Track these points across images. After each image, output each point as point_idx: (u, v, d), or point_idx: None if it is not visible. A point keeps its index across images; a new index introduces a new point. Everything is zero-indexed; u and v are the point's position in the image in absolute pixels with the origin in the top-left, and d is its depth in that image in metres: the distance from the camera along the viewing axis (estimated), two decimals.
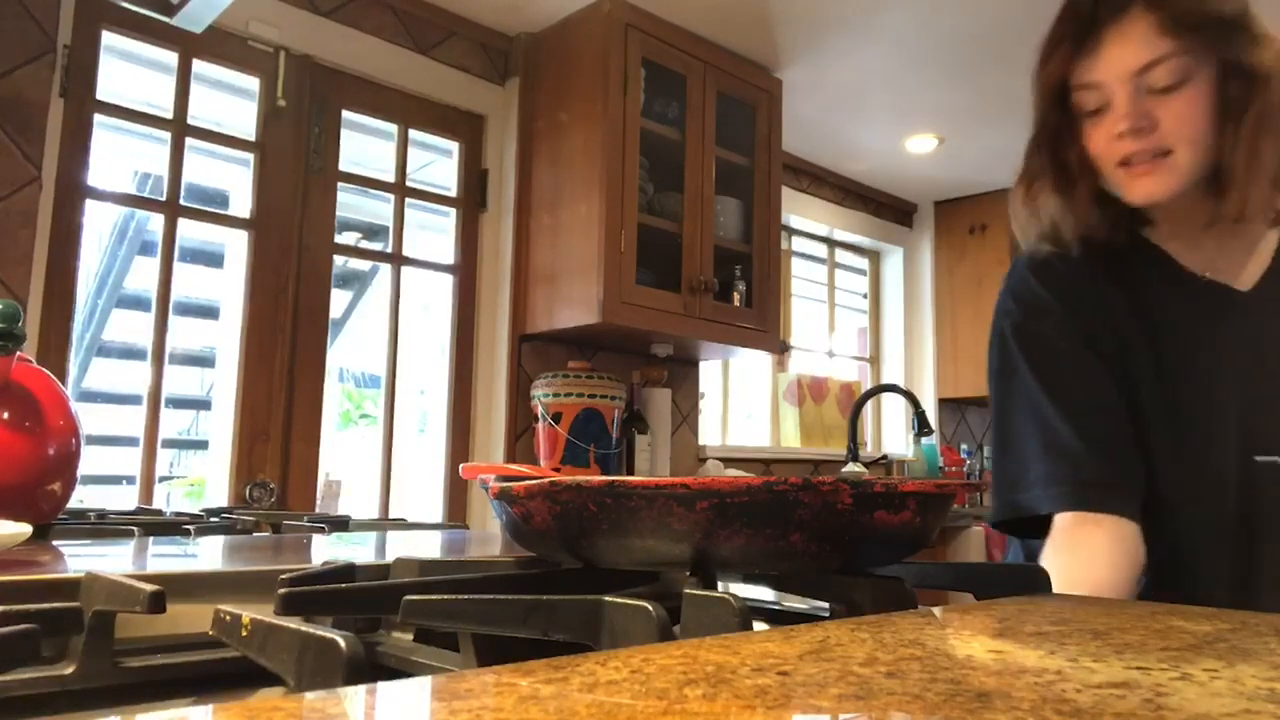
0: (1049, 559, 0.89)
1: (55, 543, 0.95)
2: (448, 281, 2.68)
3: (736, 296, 2.80)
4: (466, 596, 0.46)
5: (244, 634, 0.44)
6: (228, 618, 0.45)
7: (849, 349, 4.29)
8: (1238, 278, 0.97)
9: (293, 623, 0.42)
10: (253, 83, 2.34)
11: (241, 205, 2.35)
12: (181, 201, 2.19)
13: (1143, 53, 0.87)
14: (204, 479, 2.41)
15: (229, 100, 2.40)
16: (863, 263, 4.35)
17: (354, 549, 0.97)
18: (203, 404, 3.34)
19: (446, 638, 0.51)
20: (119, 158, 2.56)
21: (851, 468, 3.38)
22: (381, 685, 0.32)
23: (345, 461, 2.77)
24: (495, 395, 2.64)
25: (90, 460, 1.11)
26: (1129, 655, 0.39)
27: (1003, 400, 0.99)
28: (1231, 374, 0.94)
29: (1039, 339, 0.98)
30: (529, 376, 2.63)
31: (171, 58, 2.21)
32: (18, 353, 1.00)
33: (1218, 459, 0.93)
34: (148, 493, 2.09)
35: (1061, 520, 0.90)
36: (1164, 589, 0.94)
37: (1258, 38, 0.87)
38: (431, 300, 2.70)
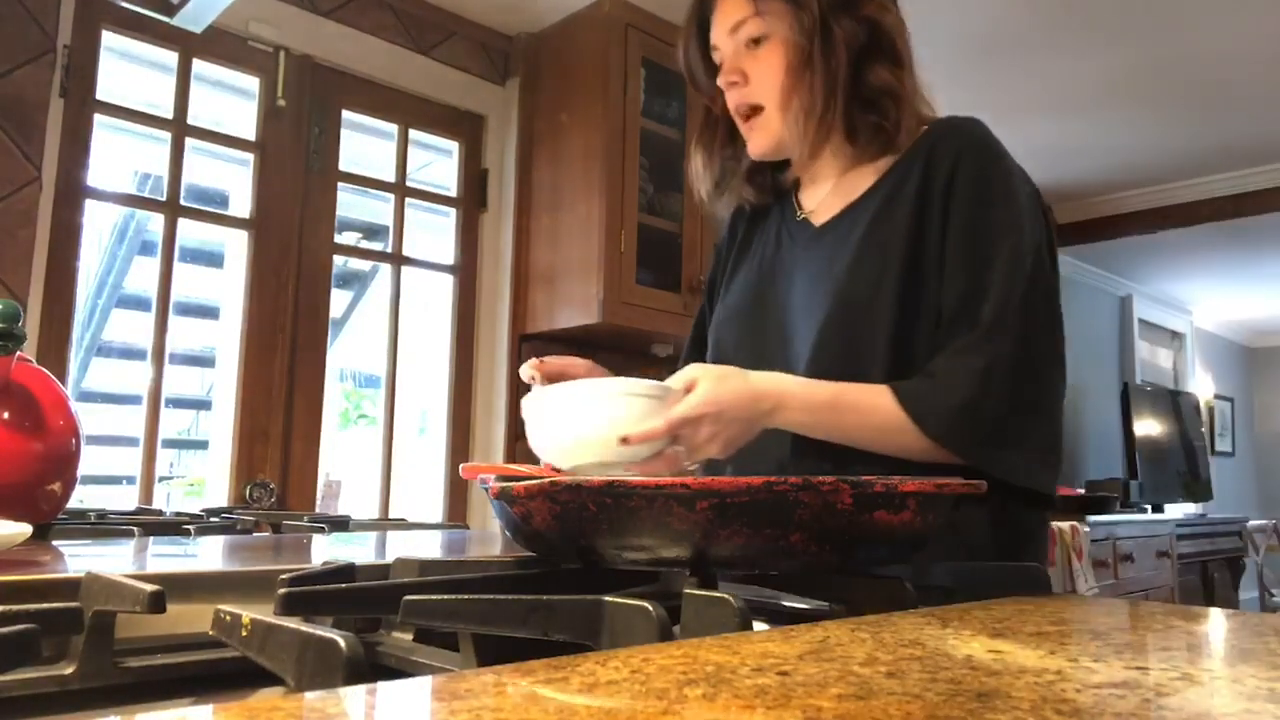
0: None
1: (55, 543, 0.95)
2: (448, 281, 2.68)
3: None
4: (466, 596, 0.46)
5: (244, 634, 0.44)
6: (228, 618, 0.45)
7: None
8: (823, 216, 1.05)
9: (293, 623, 0.42)
10: (253, 83, 2.34)
11: (241, 205, 2.34)
12: (181, 201, 2.19)
13: (733, 14, 1.02)
14: (204, 479, 2.41)
15: (229, 100, 2.39)
16: None
17: (354, 549, 0.97)
18: (203, 404, 3.34)
19: (446, 638, 0.51)
20: (119, 158, 2.56)
21: None
22: (381, 685, 0.32)
23: (345, 461, 2.77)
24: (495, 395, 2.64)
25: (90, 460, 1.11)
26: (1129, 655, 0.39)
27: None
28: (801, 300, 1.02)
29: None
30: None
31: (171, 58, 2.21)
32: (18, 353, 1.00)
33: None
34: (148, 493, 2.09)
35: None
36: None
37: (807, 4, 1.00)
38: (431, 300, 2.70)
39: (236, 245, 2.33)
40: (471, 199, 2.72)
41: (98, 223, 3.20)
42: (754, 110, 1.01)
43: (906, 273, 0.92)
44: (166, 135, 2.19)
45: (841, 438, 0.88)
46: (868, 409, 0.87)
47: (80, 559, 0.79)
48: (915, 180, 0.97)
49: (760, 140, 1.03)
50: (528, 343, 2.66)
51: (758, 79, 1.00)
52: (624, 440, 0.78)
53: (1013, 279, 0.89)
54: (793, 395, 0.87)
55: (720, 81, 1.03)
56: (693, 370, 0.85)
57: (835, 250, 0.99)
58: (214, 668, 0.52)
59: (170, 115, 2.19)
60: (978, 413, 0.85)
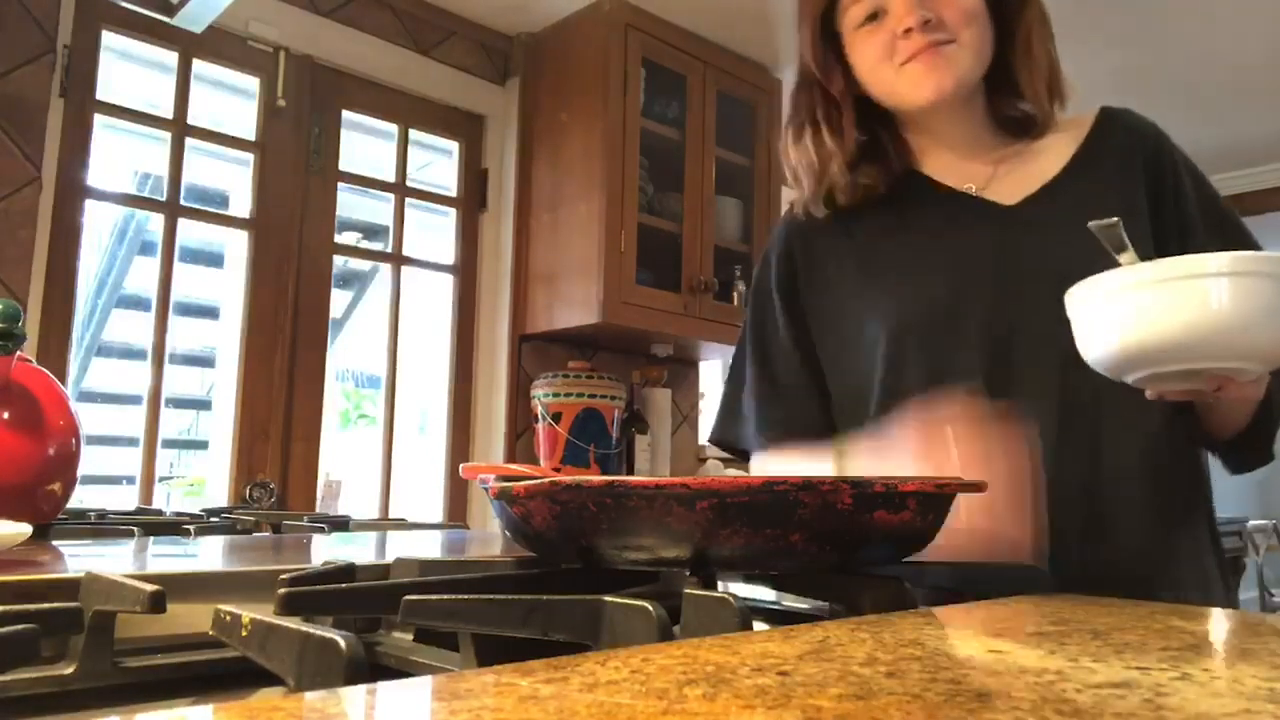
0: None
1: (55, 543, 0.95)
2: (448, 281, 2.68)
3: (736, 296, 2.80)
4: (466, 596, 0.46)
5: (244, 634, 0.44)
6: (228, 618, 0.45)
7: None
8: (1007, 195, 0.96)
9: (293, 623, 0.42)
10: (253, 83, 2.34)
11: (241, 205, 2.34)
12: (181, 201, 2.19)
13: None
14: (204, 479, 2.41)
15: (229, 100, 2.39)
16: None
17: (354, 549, 0.97)
18: (203, 404, 3.34)
19: (446, 638, 0.51)
20: (119, 158, 2.56)
21: None
22: (381, 685, 0.32)
23: (345, 461, 2.77)
24: (495, 395, 2.64)
25: (90, 460, 1.11)
26: (1129, 655, 0.39)
27: (739, 339, 1.12)
28: (981, 277, 0.93)
29: (759, 292, 1.09)
30: (529, 376, 2.63)
31: (171, 58, 2.21)
32: (18, 353, 1.00)
33: (963, 367, 0.92)
34: (148, 493, 2.09)
35: (755, 456, 1.07)
36: None
37: None
38: (431, 300, 2.70)
39: (236, 245, 2.33)
40: (471, 199, 2.72)
41: (98, 223, 3.20)
42: (941, 44, 0.90)
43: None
44: (166, 135, 2.19)
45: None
46: None
47: (80, 559, 0.79)
48: (1128, 173, 0.94)
49: (948, 75, 0.90)
50: (528, 343, 2.66)
51: (952, 16, 0.90)
52: None
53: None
54: None
55: (909, 22, 0.90)
56: None
57: (1077, 236, 0.85)
58: (214, 668, 0.52)
59: (170, 115, 2.19)
60: None
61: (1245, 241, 0.92)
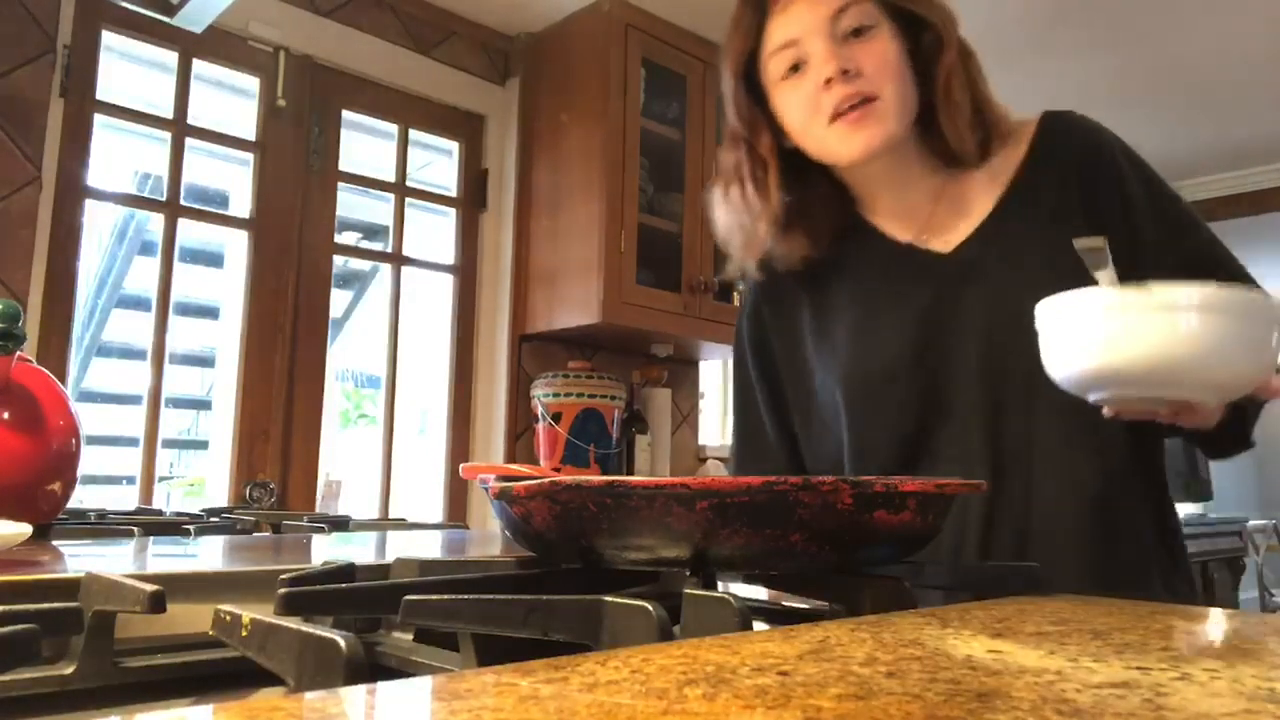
0: None
1: (55, 543, 0.95)
2: (448, 281, 2.68)
3: (736, 296, 2.79)
4: (466, 597, 0.46)
5: (244, 634, 0.44)
6: (228, 618, 0.45)
7: None
8: (945, 240, 0.97)
9: (293, 623, 0.42)
10: (253, 83, 2.34)
11: (241, 205, 2.34)
12: (181, 201, 2.19)
13: (830, 3, 0.90)
14: (204, 479, 2.41)
15: (229, 100, 2.39)
16: None
17: (354, 549, 0.97)
18: (203, 404, 3.34)
19: (446, 638, 0.51)
20: (119, 158, 2.56)
21: None
22: (381, 685, 0.32)
23: (345, 461, 2.77)
24: (495, 395, 2.64)
25: (90, 460, 1.11)
26: (1129, 655, 0.39)
27: None
28: (918, 336, 0.94)
29: (737, 344, 1.11)
30: (529, 376, 2.63)
31: (171, 58, 2.21)
32: (18, 353, 1.00)
33: (898, 426, 0.94)
34: (148, 493, 2.09)
35: None
36: None
37: None
38: (431, 300, 2.70)
39: (236, 245, 2.33)
40: (471, 199, 2.72)
41: (98, 223, 3.20)
42: (865, 101, 0.89)
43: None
44: (166, 135, 2.19)
45: None
46: None
47: (80, 559, 0.79)
48: (1067, 189, 0.93)
49: (876, 132, 0.89)
50: (528, 343, 2.66)
51: (872, 69, 0.89)
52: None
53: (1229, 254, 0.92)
54: None
55: (828, 71, 0.89)
56: None
57: (1007, 280, 0.90)
58: (214, 668, 0.52)
59: (170, 115, 2.19)
60: None
61: (1203, 250, 0.92)
